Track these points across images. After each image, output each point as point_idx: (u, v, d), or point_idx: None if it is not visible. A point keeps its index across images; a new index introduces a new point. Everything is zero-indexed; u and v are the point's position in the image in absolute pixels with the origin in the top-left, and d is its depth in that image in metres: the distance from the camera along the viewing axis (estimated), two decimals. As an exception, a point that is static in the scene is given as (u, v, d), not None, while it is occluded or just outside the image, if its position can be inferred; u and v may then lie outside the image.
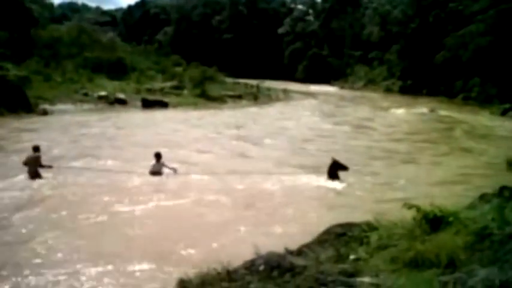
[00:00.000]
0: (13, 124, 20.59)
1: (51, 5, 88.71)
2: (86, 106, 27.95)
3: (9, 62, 28.43)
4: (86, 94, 29.82)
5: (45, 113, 24.66)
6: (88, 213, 8.79)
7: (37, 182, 10.83)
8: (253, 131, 21.54)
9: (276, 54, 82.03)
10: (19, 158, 11.70)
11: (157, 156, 11.86)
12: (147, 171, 11.71)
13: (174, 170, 11.75)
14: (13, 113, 23.39)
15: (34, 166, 11.17)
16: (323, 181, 11.38)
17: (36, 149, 11.48)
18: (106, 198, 9.75)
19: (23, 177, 10.99)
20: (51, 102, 26.81)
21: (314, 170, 12.59)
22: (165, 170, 11.78)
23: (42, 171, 11.28)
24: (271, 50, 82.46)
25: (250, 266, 5.31)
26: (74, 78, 32.93)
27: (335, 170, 11.38)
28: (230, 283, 5.07)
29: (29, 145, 13.73)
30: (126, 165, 12.65)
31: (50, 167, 11.49)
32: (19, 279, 6.12)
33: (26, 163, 11.20)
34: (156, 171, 11.65)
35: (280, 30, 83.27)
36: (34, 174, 11.07)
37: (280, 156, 15.28)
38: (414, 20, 51.40)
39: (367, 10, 67.34)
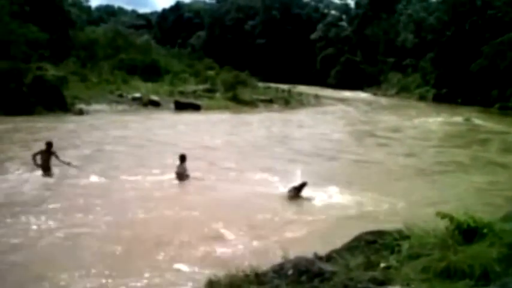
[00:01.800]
0: (50, 123, 21.17)
1: (89, 8, 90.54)
2: (120, 107, 28.50)
3: (48, 62, 29.25)
4: (120, 95, 30.43)
5: (81, 112, 25.28)
6: (105, 214, 8.90)
7: (51, 178, 11.32)
8: (282, 135, 21.46)
9: (308, 60, 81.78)
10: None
11: (182, 158, 11.90)
12: (173, 172, 11.80)
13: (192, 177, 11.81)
14: (50, 111, 24.13)
15: (46, 161, 11.52)
16: (354, 190, 11.30)
17: (49, 144, 11.76)
18: (127, 200, 9.92)
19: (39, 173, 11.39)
20: (87, 102, 27.47)
21: (344, 178, 12.51)
22: (188, 172, 11.83)
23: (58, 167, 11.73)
24: (304, 55, 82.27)
25: (278, 270, 5.32)
26: (109, 79, 33.69)
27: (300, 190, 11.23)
28: (258, 286, 5.09)
29: (64, 143, 14.15)
30: (156, 166, 12.87)
31: (68, 163, 11.81)
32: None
33: (35, 156, 11.46)
34: (180, 173, 11.73)
35: (313, 36, 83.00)
36: (46, 169, 11.47)
37: (306, 162, 15.20)
38: (450, 27, 50.42)
39: (401, 16, 66.47)
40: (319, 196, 10.51)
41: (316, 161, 15.54)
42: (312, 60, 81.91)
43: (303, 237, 7.96)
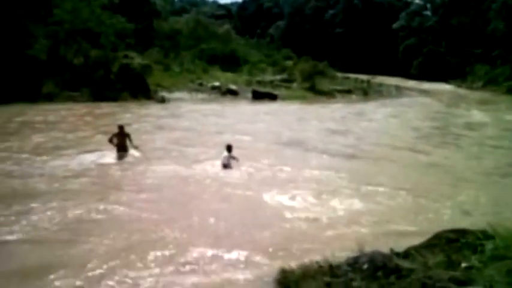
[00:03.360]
0: (134, 109, 22.25)
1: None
2: (200, 95, 29.33)
3: (134, 51, 30.60)
4: (200, 84, 31.31)
5: (162, 100, 26.27)
6: (172, 201, 9.14)
7: (124, 158, 12.27)
8: (345, 128, 20.48)
9: (389, 50, 79.28)
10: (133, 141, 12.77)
11: (229, 148, 11.99)
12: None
13: (237, 160, 11.84)
14: (134, 98, 25.34)
15: (121, 143, 12.41)
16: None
17: (121, 127, 12.60)
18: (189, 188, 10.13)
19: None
20: (169, 90, 28.55)
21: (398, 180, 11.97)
22: (232, 162, 11.83)
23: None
24: (385, 45, 79.84)
25: (353, 263, 5.28)
26: (190, 68, 34.78)
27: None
28: (332, 278, 5.08)
29: (145, 129, 14.88)
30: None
31: (136, 147, 12.59)
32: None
33: (111, 138, 12.42)
34: (226, 164, 11.74)
35: (395, 25, 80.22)
36: (121, 150, 12.41)
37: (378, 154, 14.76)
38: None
39: (493, 4, 62.43)
40: (384, 194, 10.14)
41: (371, 158, 14.43)
42: (393, 50, 79.30)
43: (376, 233, 7.77)
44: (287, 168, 12.08)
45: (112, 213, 8.22)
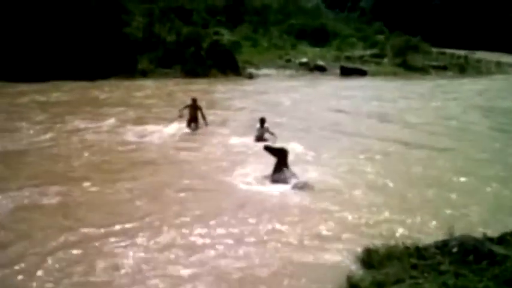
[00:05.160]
0: (223, 85, 22.78)
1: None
2: (287, 72, 29.25)
3: (224, 27, 31.07)
4: (288, 60, 31.20)
5: (250, 76, 26.57)
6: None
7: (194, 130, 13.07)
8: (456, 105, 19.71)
9: (493, 23, 73.73)
10: (218, 117, 13.64)
11: (262, 121, 11.87)
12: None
13: (275, 136, 11.58)
14: (223, 75, 25.86)
15: (192, 115, 13.12)
16: None
17: (194, 100, 13.27)
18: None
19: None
20: (257, 66, 28.77)
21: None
22: (267, 135, 11.65)
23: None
24: (488, 18, 74.34)
25: (442, 246, 5.11)
26: (278, 44, 34.70)
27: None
28: (419, 260, 4.96)
29: (231, 104, 15.26)
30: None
31: (205, 121, 13.24)
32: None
33: (182, 110, 13.20)
34: (259, 137, 11.61)
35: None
36: (192, 122, 13.14)
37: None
38: None
39: None
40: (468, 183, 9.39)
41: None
42: (498, 23, 73.59)
43: (465, 217, 7.40)
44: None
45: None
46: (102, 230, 6.53)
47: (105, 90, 19.94)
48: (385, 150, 11.74)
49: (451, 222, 6.00)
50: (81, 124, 13.30)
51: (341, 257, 5.92)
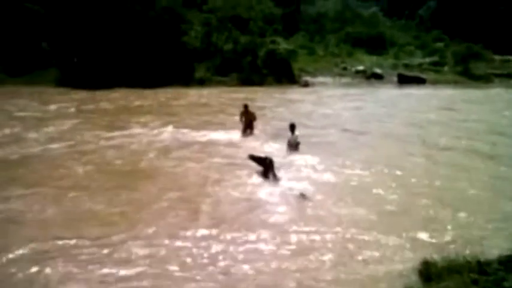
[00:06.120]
0: (277, 94, 22.90)
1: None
2: (343, 80, 29.07)
3: (281, 36, 31.29)
4: (344, 68, 31.00)
5: (306, 84, 26.60)
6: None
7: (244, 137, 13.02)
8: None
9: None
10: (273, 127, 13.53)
11: (292, 127, 11.32)
12: None
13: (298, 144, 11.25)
14: (279, 83, 26.03)
15: (245, 122, 13.25)
16: None
17: (245, 106, 13.47)
18: None
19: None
20: (313, 74, 28.82)
21: None
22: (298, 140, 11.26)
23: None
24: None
25: (506, 262, 4.93)
26: (335, 52, 34.60)
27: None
28: (480, 275, 4.81)
29: (284, 113, 15.24)
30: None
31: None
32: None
33: (241, 117, 13.41)
34: (291, 144, 11.20)
35: None
36: (247, 128, 13.26)
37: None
38: None
39: None
40: None
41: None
42: None
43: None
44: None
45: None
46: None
47: (168, 96, 20.71)
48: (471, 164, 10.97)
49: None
50: (141, 129, 13.94)
51: (399, 269, 5.80)
